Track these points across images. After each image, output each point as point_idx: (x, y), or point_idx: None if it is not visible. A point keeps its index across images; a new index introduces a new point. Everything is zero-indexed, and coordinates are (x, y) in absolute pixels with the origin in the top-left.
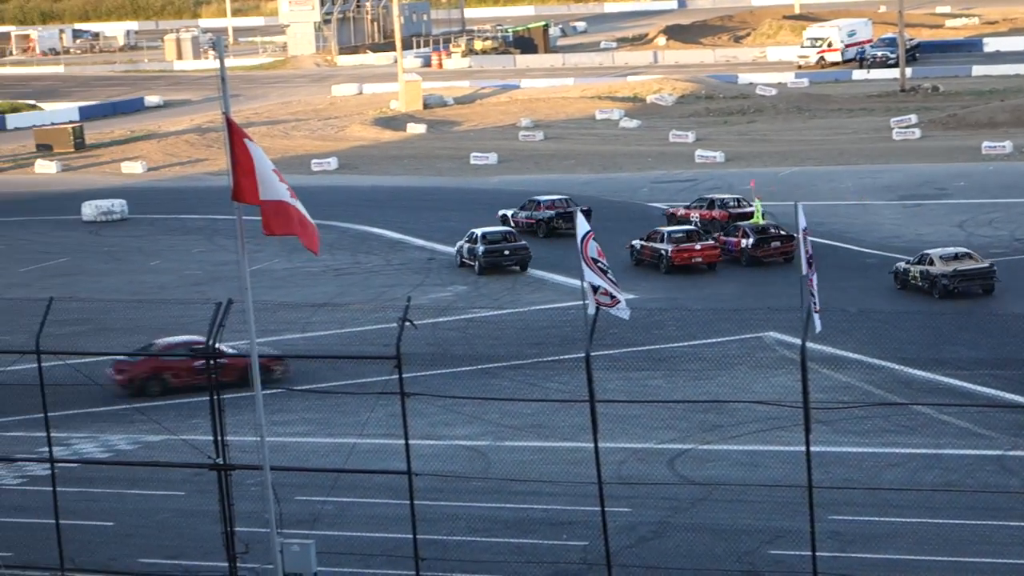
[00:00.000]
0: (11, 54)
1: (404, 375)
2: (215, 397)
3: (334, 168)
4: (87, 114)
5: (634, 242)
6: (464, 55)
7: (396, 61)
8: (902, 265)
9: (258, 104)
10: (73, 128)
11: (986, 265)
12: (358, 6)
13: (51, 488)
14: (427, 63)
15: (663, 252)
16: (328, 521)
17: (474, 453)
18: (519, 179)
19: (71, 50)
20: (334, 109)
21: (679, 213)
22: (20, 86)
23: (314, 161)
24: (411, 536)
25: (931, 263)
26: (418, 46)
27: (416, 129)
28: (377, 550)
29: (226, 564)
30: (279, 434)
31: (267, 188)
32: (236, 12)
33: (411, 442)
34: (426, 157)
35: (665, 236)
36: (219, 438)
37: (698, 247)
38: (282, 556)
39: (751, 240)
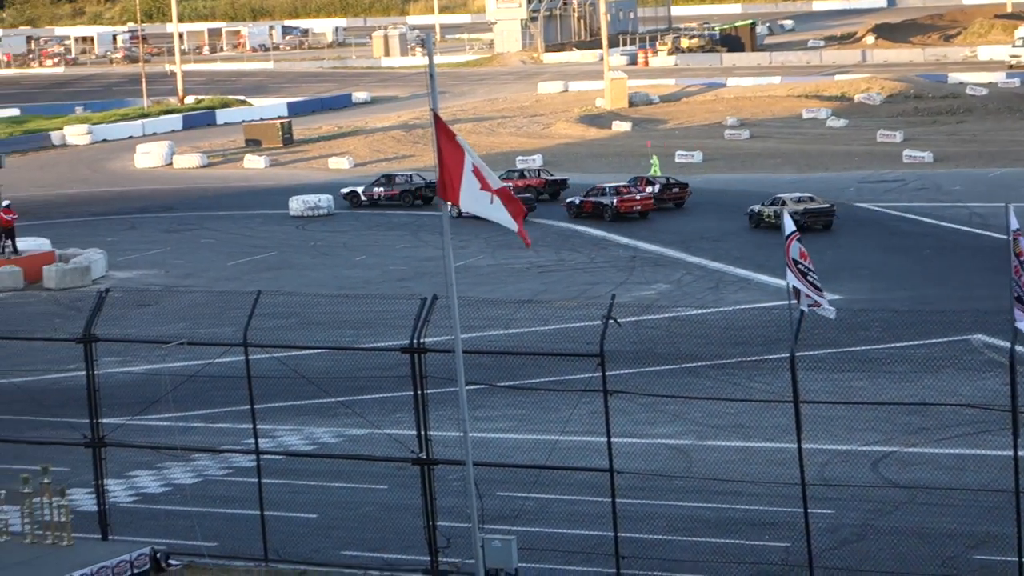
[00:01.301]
0: (222, 50)
1: (607, 373)
2: (419, 392)
3: (539, 165)
4: (295, 110)
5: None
6: (670, 53)
7: (602, 59)
8: (756, 207)
9: (464, 101)
10: (281, 124)
11: (827, 206)
12: (565, 4)
13: (256, 480)
14: (633, 61)
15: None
16: (529, 517)
17: (676, 452)
18: (722, 178)
19: (280, 46)
20: (539, 106)
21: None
22: (230, 82)
23: (519, 158)
24: (612, 534)
25: (784, 204)
26: (624, 44)
27: (621, 127)
28: (577, 547)
29: (428, 558)
30: (482, 430)
31: (491, 178)
32: (443, 9)
33: (613, 440)
34: (631, 155)
35: (607, 189)
36: (422, 433)
37: (638, 197)
38: (483, 551)
39: (656, 188)
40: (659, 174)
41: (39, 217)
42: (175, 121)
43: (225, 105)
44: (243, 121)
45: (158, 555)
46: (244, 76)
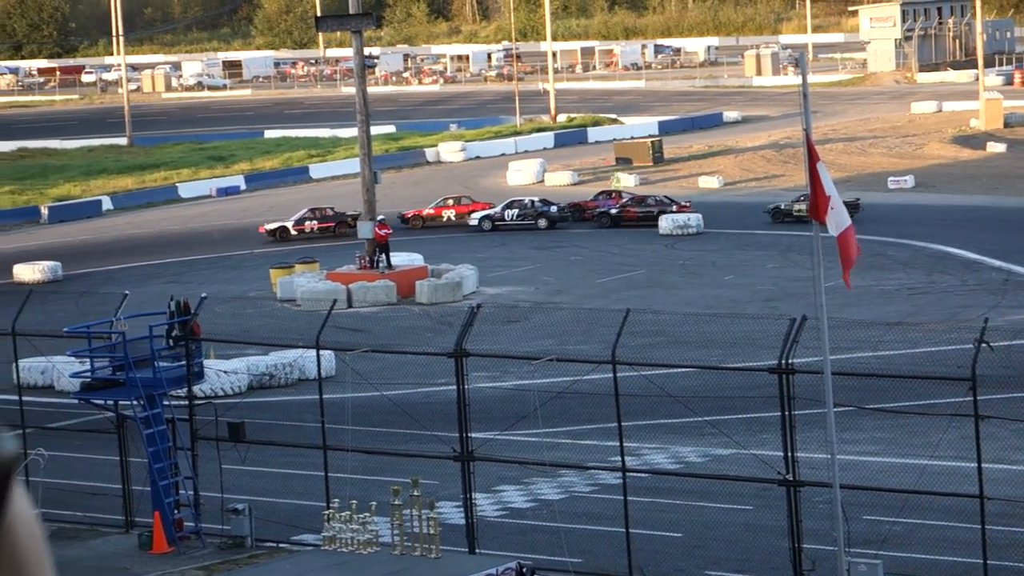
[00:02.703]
0: (594, 68)
1: (978, 397)
2: (786, 413)
3: (910, 186)
4: (666, 128)
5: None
6: None
7: (977, 79)
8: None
9: (836, 121)
10: (652, 142)
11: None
12: (940, 23)
13: (622, 497)
14: (1009, 81)
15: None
16: (896, 542)
17: None
18: None
19: (652, 65)
20: (912, 127)
21: None
22: (602, 100)
23: (890, 179)
24: (980, 561)
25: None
26: (1000, 64)
27: (996, 148)
28: (944, 574)
29: None
30: (848, 452)
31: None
32: (816, 28)
33: (984, 465)
34: (1006, 177)
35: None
36: (789, 454)
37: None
38: (849, 575)
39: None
40: (620, 187)
41: (412, 233)
42: (547, 139)
43: (596, 123)
44: (614, 139)
45: (524, 569)
46: (616, 95)
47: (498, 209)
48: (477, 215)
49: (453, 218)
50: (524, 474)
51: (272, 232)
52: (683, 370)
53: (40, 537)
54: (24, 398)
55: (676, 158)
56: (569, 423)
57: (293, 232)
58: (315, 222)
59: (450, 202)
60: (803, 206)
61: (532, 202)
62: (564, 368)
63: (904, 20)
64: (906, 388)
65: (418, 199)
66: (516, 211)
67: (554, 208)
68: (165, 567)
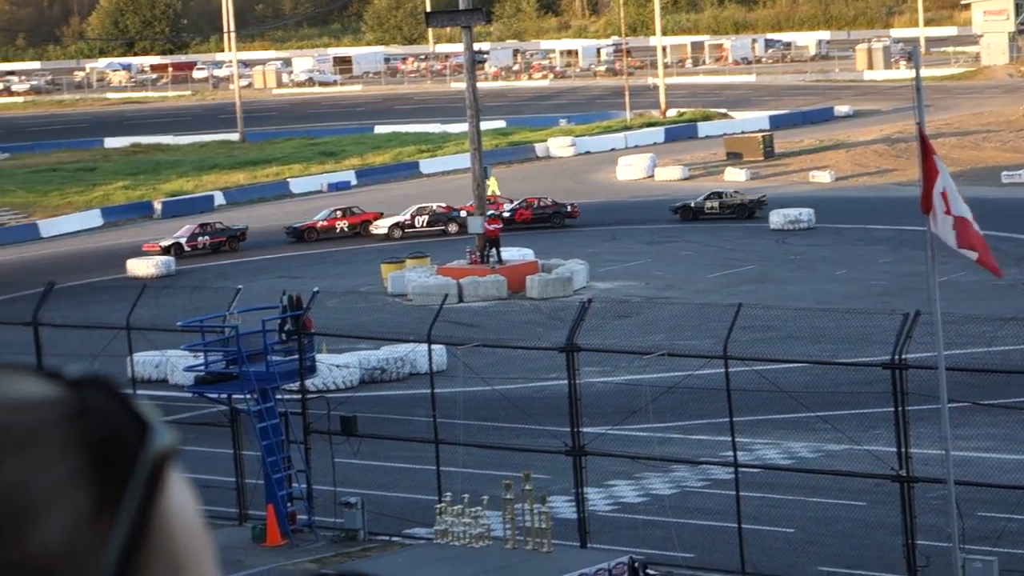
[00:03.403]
0: (704, 63)
1: None
2: (900, 408)
3: None
4: (777, 123)
5: None
6: None
7: None
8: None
9: (948, 115)
10: (763, 137)
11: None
12: None
13: (734, 492)
14: None
15: None
16: (1011, 539)
17: None
18: None
19: (762, 59)
20: None
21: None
22: (712, 94)
23: (1004, 173)
24: None
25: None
26: None
27: None
28: None
29: None
30: (963, 448)
31: (956, 203)
32: (928, 22)
33: None
34: None
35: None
36: (902, 450)
37: None
38: (964, 572)
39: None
40: (497, 193)
41: (522, 228)
42: (657, 134)
43: (707, 118)
44: (724, 134)
45: (636, 564)
46: (726, 89)
47: (407, 216)
48: (384, 223)
49: (346, 229)
50: (635, 469)
51: (166, 249)
52: (795, 365)
53: (201, 533)
54: (138, 391)
55: (787, 153)
56: (680, 418)
57: (186, 249)
58: (206, 238)
59: (339, 213)
60: (715, 203)
61: (437, 208)
62: (675, 363)
63: (1018, 13)
64: (1021, 384)
65: (529, 194)
66: (426, 218)
67: (463, 214)
68: (279, 559)
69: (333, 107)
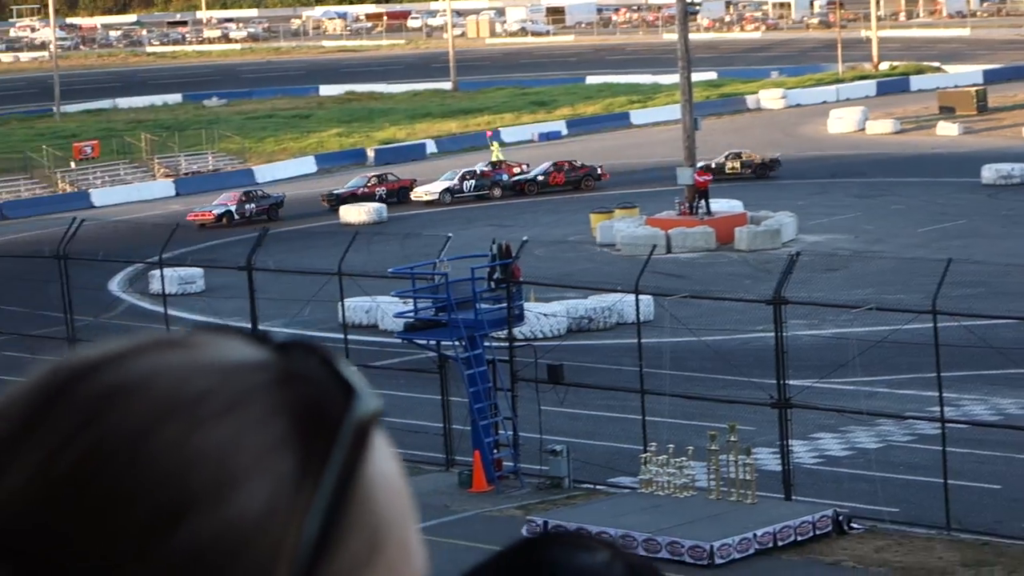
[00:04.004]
0: (918, 16)
1: None
2: None
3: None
4: (991, 77)
5: None
6: None
7: None
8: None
9: None
10: (976, 91)
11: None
12: None
13: (940, 447)
14: None
15: None
16: None
17: None
18: None
19: (978, 13)
20: None
21: None
22: (925, 48)
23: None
24: None
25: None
26: None
27: None
28: None
29: None
30: None
31: None
32: None
33: None
34: None
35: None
36: None
37: None
38: None
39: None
40: (502, 158)
41: (730, 180)
42: (869, 87)
43: (919, 72)
44: (937, 88)
45: (840, 517)
46: (940, 43)
47: (455, 181)
48: (431, 188)
49: (384, 196)
50: (841, 422)
51: (219, 217)
52: (1005, 322)
53: (405, 501)
54: (349, 336)
55: (1001, 107)
56: (887, 372)
57: (236, 217)
58: (252, 206)
59: (375, 179)
60: (736, 163)
61: (480, 170)
62: (883, 317)
63: None
64: None
65: (739, 146)
66: (473, 182)
67: (505, 176)
68: (484, 505)
69: (545, 57)
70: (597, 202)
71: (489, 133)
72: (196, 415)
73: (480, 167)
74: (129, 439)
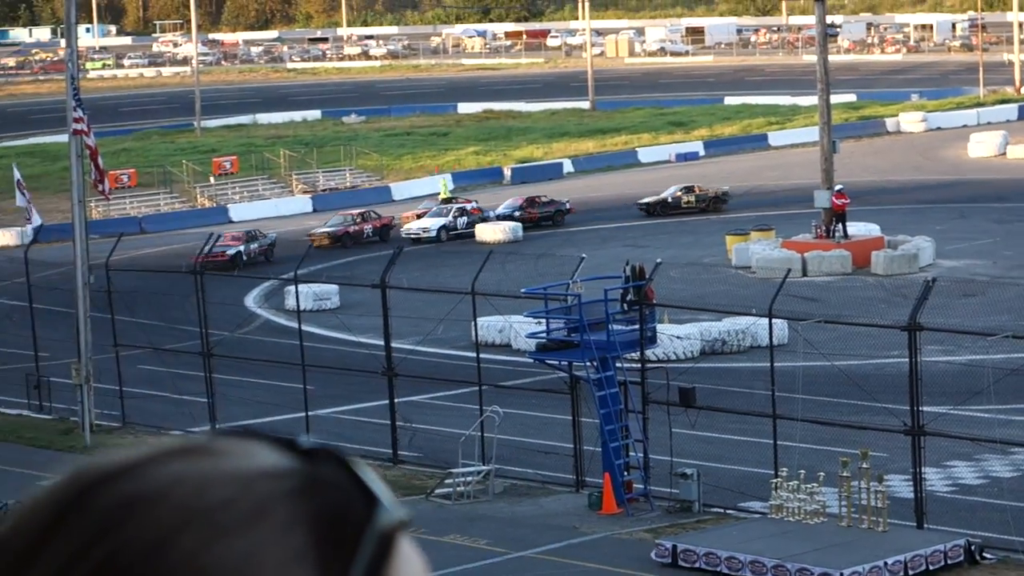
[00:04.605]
0: None
1: None
2: None
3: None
4: None
5: None
6: None
7: None
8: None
9: None
10: None
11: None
12: None
13: None
14: None
15: None
16: None
17: None
18: None
19: None
20: None
21: None
22: None
23: None
24: None
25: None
26: None
27: None
28: None
29: None
30: None
31: None
32: None
33: None
34: None
35: None
36: None
37: None
38: None
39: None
40: (448, 195)
41: (870, 203)
42: (1010, 111)
43: None
44: None
45: (972, 547)
46: None
47: (450, 218)
48: (422, 224)
49: (371, 233)
50: (975, 450)
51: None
52: None
53: None
54: (482, 355)
55: None
56: (1023, 400)
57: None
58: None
59: (359, 219)
60: (691, 197)
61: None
62: (1020, 345)
63: None
64: None
65: (878, 169)
66: (465, 219)
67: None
68: (613, 528)
69: (683, 77)
70: (733, 224)
71: (436, 169)
72: (215, 526)
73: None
74: (146, 551)
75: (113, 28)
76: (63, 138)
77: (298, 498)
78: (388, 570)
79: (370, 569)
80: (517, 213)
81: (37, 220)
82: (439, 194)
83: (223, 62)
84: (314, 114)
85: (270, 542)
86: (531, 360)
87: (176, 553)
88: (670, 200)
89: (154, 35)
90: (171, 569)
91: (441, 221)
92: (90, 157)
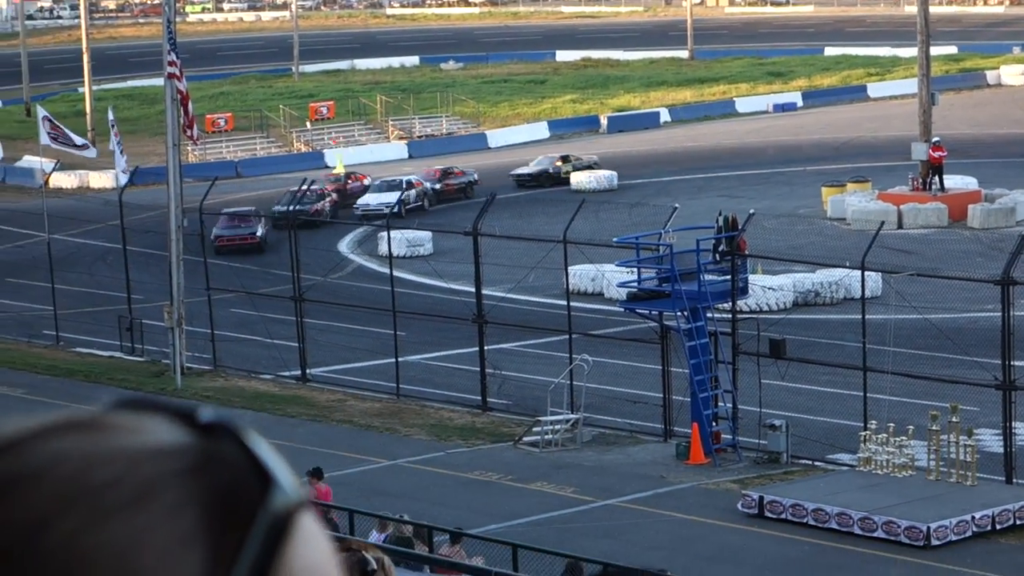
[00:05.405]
0: None
1: None
2: None
3: None
4: None
5: None
6: None
7: None
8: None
9: None
10: None
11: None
12: None
13: None
14: None
15: None
16: None
17: None
18: None
19: None
20: None
21: None
22: None
23: None
24: None
25: None
26: None
27: None
28: None
29: None
30: None
31: None
32: None
33: None
34: None
35: None
36: None
37: None
38: None
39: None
40: (343, 171)
41: (968, 156)
42: None
43: None
44: None
45: None
46: None
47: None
48: (383, 199)
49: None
50: None
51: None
52: None
53: None
54: (572, 304)
55: None
56: None
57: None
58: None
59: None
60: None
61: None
62: None
63: None
64: None
65: (977, 122)
66: (412, 192)
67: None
68: (700, 478)
69: (783, 27)
70: (830, 176)
71: (335, 141)
72: (98, 507)
73: (324, 180)
74: (22, 533)
75: None
76: (160, 81)
77: (189, 477)
78: (283, 553)
79: (262, 552)
80: (438, 186)
81: (122, 163)
82: (335, 168)
83: (323, 7)
84: (412, 60)
85: (156, 524)
86: (622, 309)
87: (55, 535)
88: (551, 171)
89: None
90: (50, 552)
91: (395, 196)
92: (180, 102)
